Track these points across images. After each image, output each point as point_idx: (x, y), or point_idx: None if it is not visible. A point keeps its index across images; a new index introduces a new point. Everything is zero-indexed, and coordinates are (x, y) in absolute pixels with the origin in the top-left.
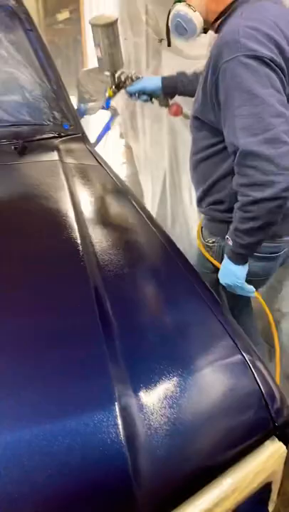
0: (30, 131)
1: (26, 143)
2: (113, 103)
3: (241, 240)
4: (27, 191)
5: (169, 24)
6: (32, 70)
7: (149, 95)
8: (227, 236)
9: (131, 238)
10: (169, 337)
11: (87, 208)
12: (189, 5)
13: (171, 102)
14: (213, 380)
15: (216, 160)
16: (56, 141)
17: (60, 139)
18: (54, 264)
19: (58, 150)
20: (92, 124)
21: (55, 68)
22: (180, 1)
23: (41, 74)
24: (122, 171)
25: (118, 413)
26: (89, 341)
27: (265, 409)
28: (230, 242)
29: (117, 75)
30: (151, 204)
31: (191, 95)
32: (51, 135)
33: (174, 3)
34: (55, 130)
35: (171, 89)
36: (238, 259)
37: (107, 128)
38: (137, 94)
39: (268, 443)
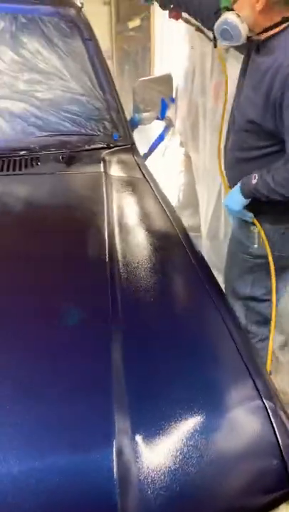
0: (79, 141)
1: (74, 153)
2: (169, 114)
3: (264, 190)
4: (65, 201)
5: (216, 28)
6: (86, 79)
7: None
8: (255, 174)
9: (159, 257)
10: (181, 374)
11: (121, 222)
12: (238, 15)
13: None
14: (223, 429)
15: (262, 163)
16: (104, 152)
17: (108, 150)
18: (74, 278)
19: (104, 161)
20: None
21: (110, 78)
22: (228, 9)
23: (95, 83)
24: (179, 180)
25: (114, 456)
26: (97, 381)
27: (282, 467)
28: (254, 181)
29: None
30: (205, 215)
31: (185, 9)
32: (99, 146)
33: (222, 9)
34: (105, 140)
35: None
36: (249, 195)
37: (160, 138)
38: None
39: (283, 507)
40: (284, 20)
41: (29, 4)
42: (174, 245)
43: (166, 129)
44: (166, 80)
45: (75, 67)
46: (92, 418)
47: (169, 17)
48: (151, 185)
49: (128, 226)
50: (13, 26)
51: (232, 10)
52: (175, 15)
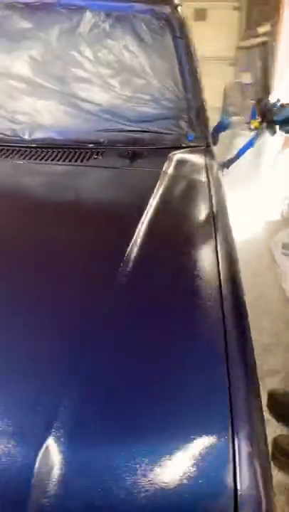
0: (151, 139)
1: (141, 150)
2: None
3: None
4: (104, 194)
5: None
6: (170, 77)
7: None
8: None
9: (184, 267)
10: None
11: (155, 221)
12: None
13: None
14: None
15: None
16: (173, 151)
17: (179, 150)
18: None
19: (170, 160)
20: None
21: (197, 78)
22: None
23: (178, 82)
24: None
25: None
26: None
27: None
28: None
29: (263, 103)
30: None
31: None
32: (169, 144)
33: None
34: (178, 140)
35: None
36: None
37: (249, 144)
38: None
39: None
40: None
41: (124, 2)
42: (207, 260)
43: (257, 135)
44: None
45: (161, 65)
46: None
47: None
48: (211, 190)
49: (162, 225)
50: (105, 23)
51: None
52: None
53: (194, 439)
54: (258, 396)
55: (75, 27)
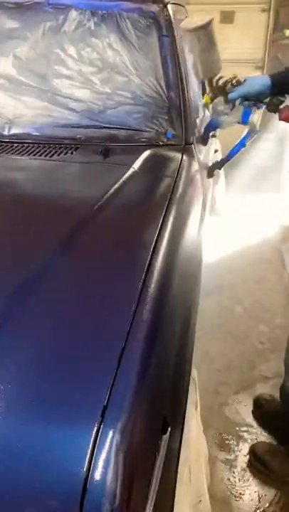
0: (128, 135)
1: (117, 146)
2: (253, 118)
3: None
4: (65, 188)
5: None
6: (153, 75)
7: (255, 100)
8: None
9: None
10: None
11: (100, 213)
12: None
13: (282, 105)
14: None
15: None
16: (149, 148)
17: (155, 147)
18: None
19: (142, 157)
20: None
21: (182, 77)
22: None
23: (161, 80)
24: None
25: None
26: None
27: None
28: None
29: (214, 80)
30: None
31: None
32: (146, 142)
33: None
34: (156, 137)
35: (282, 85)
36: None
37: (241, 145)
38: (238, 101)
39: None
40: None
41: (111, 0)
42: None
43: (249, 134)
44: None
45: (145, 63)
46: None
47: (280, 118)
48: (174, 189)
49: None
50: (90, 21)
51: None
52: (288, 114)
53: (56, 423)
54: (147, 393)
55: (60, 25)
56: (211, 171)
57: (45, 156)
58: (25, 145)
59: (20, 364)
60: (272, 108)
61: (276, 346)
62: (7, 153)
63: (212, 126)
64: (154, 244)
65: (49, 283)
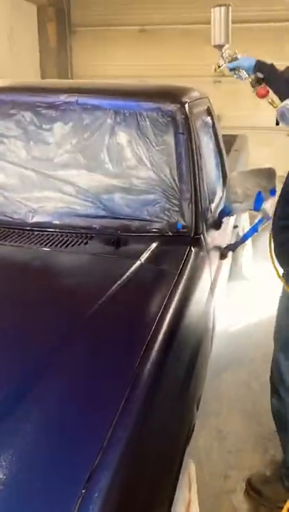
0: (140, 226)
1: (127, 237)
2: (266, 205)
3: None
4: (72, 281)
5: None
6: (167, 170)
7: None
8: None
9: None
10: None
11: (102, 308)
12: None
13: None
14: None
15: None
16: (158, 239)
17: (163, 238)
18: None
19: (151, 249)
20: None
21: (195, 171)
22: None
23: (174, 175)
24: None
25: None
26: None
27: None
28: None
29: (224, 49)
30: None
31: (273, 89)
32: (156, 232)
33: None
34: (166, 228)
35: (264, 69)
36: None
37: (254, 230)
38: (235, 70)
39: None
40: None
41: (134, 101)
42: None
43: (261, 221)
44: (267, 173)
45: (160, 157)
46: None
47: (257, 95)
48: (177, 283)
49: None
50: (113, 120)
51: None
52: (263, 92)
53: None
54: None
55: (86, 123)
56: (224, 252)
57: (61, 246)
58: (45, 233)
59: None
60: (253, 84)
61: None
62: (26, 242)
63: (225, 213)
64: (148, 339)
65: (45, 378)
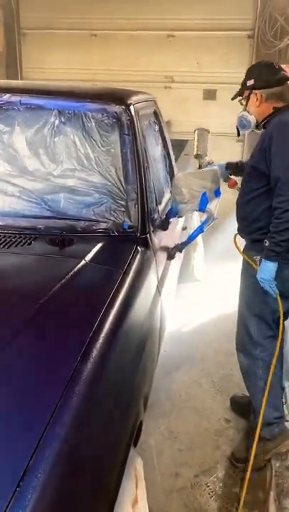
0: (86, 226)
1: (72, 237)
2: (211, 206)
3: (274, 240)
4: (18, 282)
5: (237, 121)
6: (112, 170)
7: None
8: (265, 240)
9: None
10: None
11: (44, 307)
12: (248, 111)
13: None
14: None
15: (257, 201)
16: (104, 239)
17: (109, 238)
18: None
19: (96, 248)
20: None
21: (139, 172)
22: (245, 110)
23: (120, 175)
24: None
25: None
26: None
27: None
28: (266, 244)
29: (202, 159)
30: None
31: (241, 174)
32: (102, 232)
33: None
34: (112, 228)
35: (231, 168)
36: (271, 256)
37: (199, 230)
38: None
39: None
40: (275, 109)
41: (79, 102)
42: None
43: (206, 221)
44: (211, 174)
45: (105, 158)
46: None
47: (228, 186)
48: (122, 281)
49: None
50: (57, 119)
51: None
52: (233, 183)
53: None
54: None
55: (29, 123)
56: (171, 253)
57: (3, 246)
58: None
59: None
60: (224, 179)
61: (241, 425)
62: None
63: (172, 214)
64: (90, 336)
65: None
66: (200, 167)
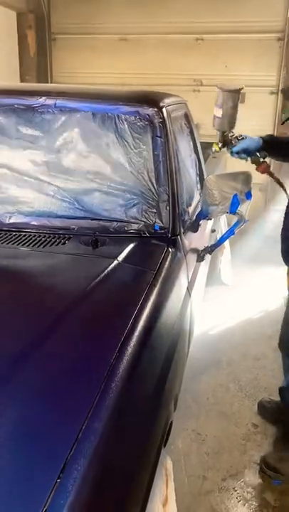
0: (118, 226)
1: (105, 237)
2: (242, 208)
3: None
4: (52, 280)
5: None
6: (145, 172)
7: (248, 154)
8: None
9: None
10: None
11: (78, 307)
12: None
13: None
14: None
15: None
16: (135, 240)
17: (140, 239)
18: None
19: (128, 249)
20: None
21: (171, 174)
22: None
23: (152, 177)
24: None
25: None
26: None
27: None
28: None
29: (226, 134)
30: None
31: (278, 157)
32: (134, 233)
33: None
34: (143, 229)
35: (268, 147)
36: None
37: (230, 232)
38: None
39: None
40: None
41: (112, 104)
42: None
43: (237, 224)
44: (243, 176)
45: (138, 161)
46: None
47: (258, 170)
48: (153, 279)
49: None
50: (90, 122)
51: None
52: (265, 168)
53: None
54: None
55: (64, 125)
56: (201, 255)
57: (38, 246)
58: (22, 234)
59: None
60: (255, 161)
61: (270, 430)
62: (3, 242)
63: (202, 216)
64: (124, 335)
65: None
66: (224, 143)
